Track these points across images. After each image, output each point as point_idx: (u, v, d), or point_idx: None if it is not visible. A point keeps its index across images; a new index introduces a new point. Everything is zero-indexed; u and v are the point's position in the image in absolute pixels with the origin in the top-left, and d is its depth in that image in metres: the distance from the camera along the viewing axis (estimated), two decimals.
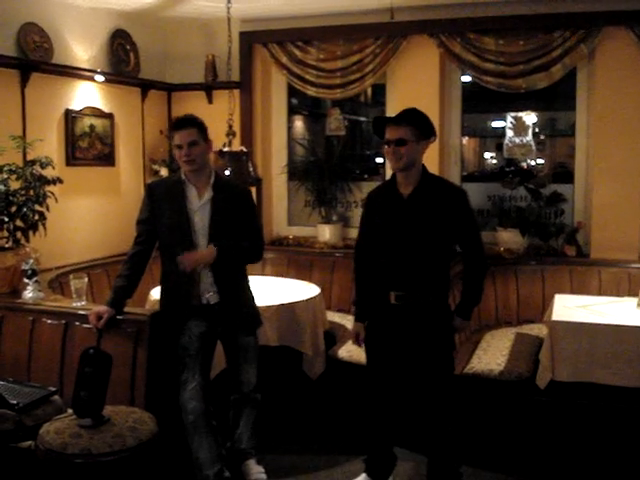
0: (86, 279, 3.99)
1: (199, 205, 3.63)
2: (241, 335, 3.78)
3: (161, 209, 3.65)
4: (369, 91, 6.74)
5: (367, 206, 3.75)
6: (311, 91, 6.05)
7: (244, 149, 5.57)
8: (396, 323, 3.53)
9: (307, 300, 4.67)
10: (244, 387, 3.85)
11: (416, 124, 3.44)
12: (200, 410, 3.57)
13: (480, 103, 6.23)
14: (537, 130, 5.99)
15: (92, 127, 5.43)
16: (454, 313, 3.61)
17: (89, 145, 5.42)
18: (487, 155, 7.00)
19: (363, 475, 3.84)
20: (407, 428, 4.03)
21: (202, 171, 3.64)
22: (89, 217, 5.50)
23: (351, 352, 4.53)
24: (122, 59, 5.77)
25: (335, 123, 6.38)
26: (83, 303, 3.88)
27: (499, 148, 6.31)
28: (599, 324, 4.03)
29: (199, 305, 3.64)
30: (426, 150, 3.52)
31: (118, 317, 3.55)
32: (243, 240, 3.71)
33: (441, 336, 3.54)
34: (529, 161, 6.20)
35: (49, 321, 3.78)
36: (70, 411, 3.17)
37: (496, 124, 6.62)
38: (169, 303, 3.72)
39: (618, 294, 4.86)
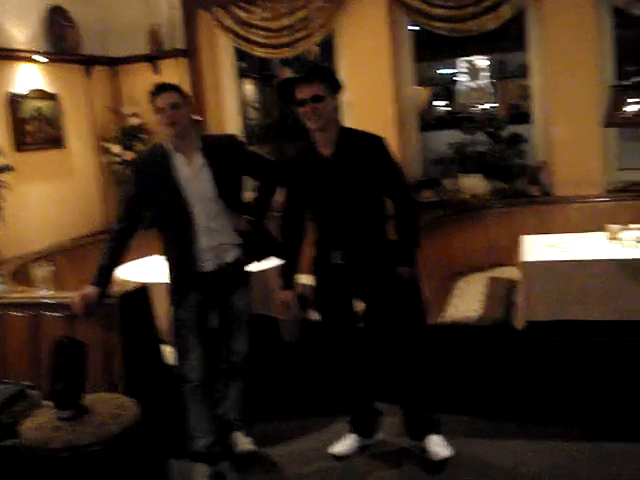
0: (51, 267, 3.88)
1: (192, 174, 3.55)
2: (234, 301, 3.74)
3: (149, 183, 3.57)
4: (317, 48, 6.63)
5: (290, 172, 3.66)
6: (259, 52, 5.93)
7: (198, 118, 5.48)
8: (343, 282, 3.52)
9: (278, 266, 4.60)
10: (235, 356, 3.83)
11: (327, 79, 3.40)
12: (200, 380, 3.62)
13: (429, 50, 6.17)
14: (488, 73, 5.96)
15: (38, 110, 5.26)
16: (397, 263, 3.55)
17: (37, 129, 5.25)
18: (437, 102, 6.97)
19: (351, 435, 3.86)
20: (386, 382, 4.03)
21: (186, 136, 3.57)
22: (45, 202, 5.35)
23: None
24: (61, 37, 5.57)
25: None
26: (50, 292, 3.78)
27: (449, 95, 6.29)
28: (570, 261, 4.07)
29: (194, 273, 3.59)
30: (337, 104, 3.47)
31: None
32: (259, 177, 3.82)
33: (392, 289, 3.53)
34: (481, 105, 6.17)
35: (17, 313, 3.68)
36: (48, 404, 3.09)
37: (443, 71, 6.59)
38: (173, 273, 3.67)
39: (586, 230, 4.86)
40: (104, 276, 3.54)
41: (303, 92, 3.35)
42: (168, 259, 3.68)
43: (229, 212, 3.63)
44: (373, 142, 3.50)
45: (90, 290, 3.45)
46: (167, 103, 3.48)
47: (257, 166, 3.84)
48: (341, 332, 3.68)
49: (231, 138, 3.93)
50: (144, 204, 3.62)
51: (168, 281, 3.70)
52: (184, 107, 3.55)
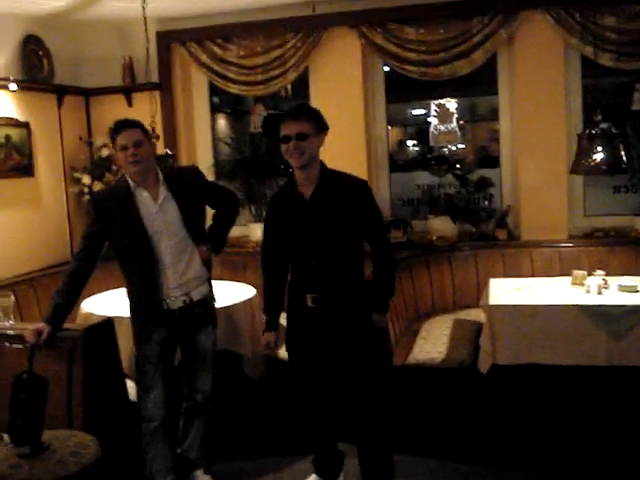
0: (12, 297, 3.82)
1: (157, 207, 3.53)
2: (201, 339, 3.71)
3: (111, 220, 3.53)
4: (290, 86, 6.67)
5: (270, 211, 3.68)
6: (233, 89, 5.95)
7: (169, 152, 5.48)
8: (315, 326, 3.48)
9: (244, 302, 4.60)
10: (199, 395, 3.79)
11: (313, 117, 3.39)
12: (162, 418, 3.57)
13: (401, 92, 6.23)
14: (457, 116, 6.03)
15: (7, 137, 5.21)
16: (370, 309, 3.54)
17: (6, 156, 5.19)
18: (409, 143, 7.02)
19: (313, 476, 3.82)
20: (347, 422, 4.00)
21: (149, 172, 3.55)
22: (10, 231, 5.26)
23: None
24: (35, 65, 5.56)
25: (259, 120, 6.25)
26: (11, 322, 3.71)
27: (422, 136, 6.34)
28: (535, 305, 4.12)
29: (160, 310, 3.55)
30: (321, 145, 3.44)
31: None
32: (218, 206, 3.86)
33: (364, 334, 3.50)
34: (451, 147, 6.24)
35: None
36: (6, 438, 3.02)
37: (416, 112, 6.65)
38: (137, 310, 3.62)
39: (551, 274, 4.94)
40: (58, 315, 3.46)
41: (288, 128, 3.33)
42: (131, 295, 3.64)
43: (195, 243, 3.62)
44: (356, 186, 3.47)
45: (42, 327, 3.37)
46: (131, 141, 3.45)
47: (217, 196, 3.88)
48: (309, 374, 3.62)
49: (192, 169, 3.92)
50: (104, 241, 3.57)
51: (130, 317, 3.66)
52: (147, 143, 3.54)
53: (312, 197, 3.41)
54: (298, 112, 3.38)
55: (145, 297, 3.56)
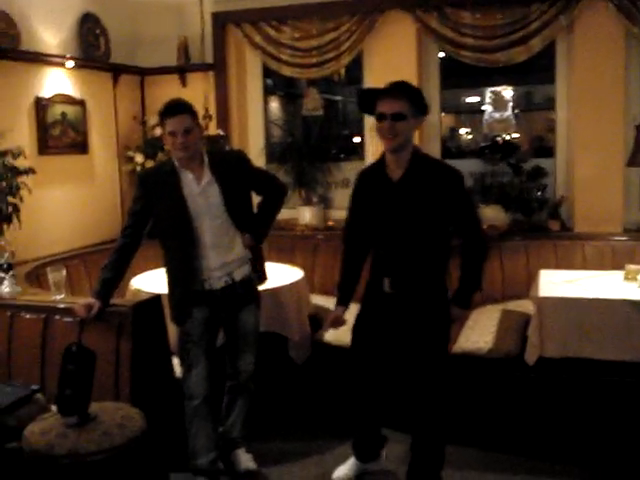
0: (64, 271, 3.87)
1: (199, 190, 3.54)
2: (243, 318, 3.72)
3: (156, 199, 3.56)
4: (343, 69, 6.64)
5: (356, 189, 3.55)
6: (287, 71, 5.95)
7: (221, 132, 5.50)
8: (390, 312, 3.39)
9: (291, 284, 4.60)
10: (241, 375, 3.81)
11: (413, 98, 3.21)
12: (204, 395, 3.60)
13: (455, 78, 6.16)
14: (513, 104, 5.95)
15: (64, 115, 5.29)
16: (451, 301, 3.44)
17: (61, 133, 5.27)
18: (463, 130, 6.96)
19: (352, 459, 3.81)
20: (395, 409, 3.99)
21: (195, 156, 3.55)
22: (64, 207, 5.37)
23: (337, 335, 4.48)
24: (92, 44, 5.62)
25: (312, 103, 6.28)
26: (62, 296, 3.77)
27: (475, 124, 6.28)
28: (586, 299, 4.03)
29: (202, 291, 3.58)
30: (417, 129, 3.30)
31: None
32: (263, 192, 3.85)
33: (437, 327, 3.40)
34: (505, 135, 6.15)
35: (28, 316, 3.68)
36: (54, 409, 3.08)
37: (471, 99, 6.58)
38: (175, 290, 3.66)
39: (603, 267, 4.83)
40: (106, 290, 3.52)
41: (385, 106, 3.17)
42: (171, 275, 3.67)
43: (237, 228, 3.63)
44: (448, 174, 3.31)
45: (92, 302, 3.44)
46: (180, 128, 3.44)
47: (261, 182, 3.85)
48: (370, 359, 3.54)
49: (237, 153, 3.93)
50: (149, 218, 3.61)
51: (168, 296, 3.69)
52: (196, 129, 3.53)
53: (400, 181, 3.29)
54: (398, 90, 3.20)
55: (181, 277, 3.58)
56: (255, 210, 3.85)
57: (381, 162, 3.39)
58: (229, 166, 3.65)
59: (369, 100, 3.27)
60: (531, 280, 4.83)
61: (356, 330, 3.60)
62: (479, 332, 4.51)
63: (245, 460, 3.86)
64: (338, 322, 3.64)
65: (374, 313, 3.48)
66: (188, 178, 3.55)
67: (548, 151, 5.79)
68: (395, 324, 3.40)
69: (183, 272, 3.57)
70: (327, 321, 3.71)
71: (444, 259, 3.43)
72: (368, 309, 3.53)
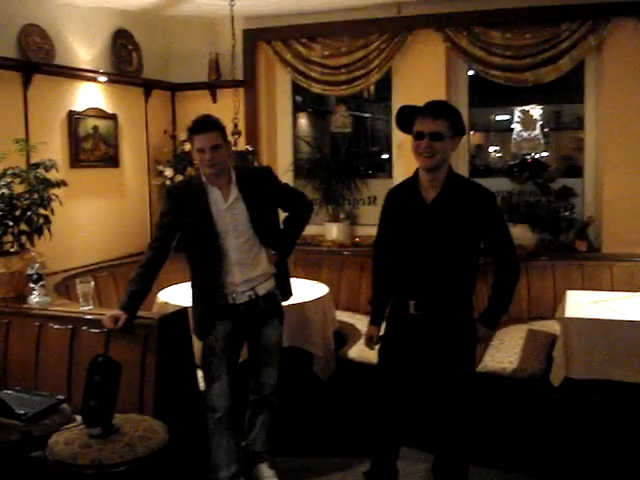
0: (93, 283, 3.92)
1: (226, 206, 3.57)
2: (266, 332, 3.73)
3: (183, 213, 3.60)
4: (372, 87, 6.67)
5: (386, 207, 3.48)
6: (316, 88, 6.00)
7: (250, 148, 5.54)
8: (415, 334, 3.33)
9: (316, 300, 4.62)
10: (264, 389, 3.82)
11: (452, 118, 3.17)
12: (225, 408, 3.60)
13: (485, 97, 6.16)
14: (542, 123, 5.92)
15: (95, 128, 5.38)
16: (478, 321, 3.38)
17: (93, 146, 5.36)
18: (491, 149, 6.93)
19: None
20: (419, 428, 3.96)
21: (223, 172, 3.58)
22: (94, 219, 5.45)
23: (361, 352, 4.47)
24: (124, 59, 5.72)
25: (341, 120, 6.31)
26: (90, 307, 3.82)
27: (504, 142, 6.26)
28: (613, 320, 3.99)
29: (225, 305, 3.61)
30: (454, 149, 3.24)
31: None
32: (290, 209, 3.87)
33: (464, 347, 3.34)
34: (533, 154, 6.12)
35: (56, 326, 3.74)
36: (79, 419, 3.12)
37: (500, 117, 6.56)
38: (198, 304, 3.68)
39: (630, 289, 4.79)
40: (133, 302, 3.55)
41: (424, 125, 3.12)
42: (195, 289, 3.69)
43: (262, 244, 3.65)
44: (484, 197, 3.26)
45: (119, 314, 3.47)
46: (209, 145, 3.46)
47: (288, 198, 3.87)
48: (397, 380, 3.45)
49: (265, 170, 3.92)
50: (177, 232, 3.65)
51: (191, 309, 3.72)
52: (224, 145, 3.54)
53: (434, 202, 3.23)
54: (437, 109, 3.18)
55: (206, 291, 3.61)
56: (281, 226, 3.87)
57: (414, 181, 3.34)
58: (256, 183, 3.67)
59: (407, 118, 3.24)
60: (557, 300, 4.81)
61: (382, 352, 3.54)
62: (504, 352, 4.48)
63: (268, 475, 3.85)
64: (373, 341, 3.60)
65: (399, 335, 3.43)
66: (215, 194, 3.58)
67: (577, 171, 5.76)
68: (421, 345, 3.35)
69: (207, 287, 3.60)
70: (366, 341, 3.64)
71: (472, 280, 3.38)
72: (393, 331, 3.48)
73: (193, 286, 3.70)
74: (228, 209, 3.57)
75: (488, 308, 3.41)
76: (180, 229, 3.64)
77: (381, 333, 3.58)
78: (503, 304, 3.42)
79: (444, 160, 3.19)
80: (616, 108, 5.23)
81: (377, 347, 3.59)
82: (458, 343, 3.32)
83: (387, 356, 3.51)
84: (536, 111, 5.88)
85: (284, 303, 3.90)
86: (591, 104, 5.51)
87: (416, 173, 3.33)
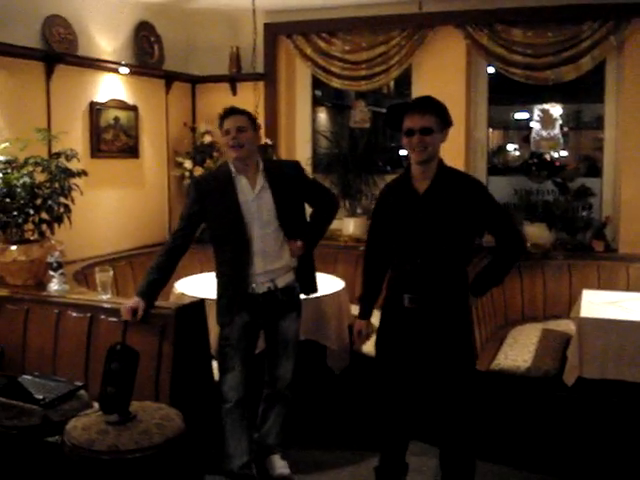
0: (111, 272, 3.96)
1: (253, 195, 3.61)
2: (283, 325, 3.76)
3: (210, 203, 3.63)
4: (392, 83, 6.68)
5: (379, 202, 3.55)
6: (336, 83, 6.01)
7: (269, 142, 5.57)
8: (410, 328, 3.37)
9: (332, 294, 4.63)
10: (279, 383, 3.84)
11: (439, 112, 3.27)
12: (236, 400, 3.64)
13: (504, 94, 6.15)
14: (561, 122, 5.91)
15: (116, 119, 5.42)
16: (470, 291, 3.42)
17: (113, 137, 5.41)
18: (510, 147, 6.91)
19: None
20: (424, 422, 3.97)
21: (250, 159, 3.62)
22: (113, 209, 5.50)
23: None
24: (146, 51, 5.76)
25: (360, 115, 6.33)
26: (108, 296, 3.86)
27: (525, 140, 6.23)
28: (628, 321, 3.98)
29: (244, 294, 3.63)
30: (444, 141, 3.33)
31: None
32: (316, 204, 3.89)
33: (460, 343, 3.38)
34: (552, 153, 6.11)
35: (74, 314, 3.77)
36: (96, 406, 3.16)
37: (519, 116, 6.55)
38: (224, 293, 3.71)
39: None
40: (152, 290, 3.57)
41: (413, 121, 3.23)
42: (221, 278, 3.72)
43: (287, 236, 3.68)
44: (472, 185, 3.36)
45: (137, 304, 3.49)
46: (234, 126, 3.55)
47: (315, 194, 3.89)
48: (395, 374, 3.50)
49: (293, 164, 3.95)
50: (202, 222, 3.69)
51: (216, 298, 3.75)
52: (250, 131, 3.60)
53: (426, 193, 3.31)
54: (424, 105, 3.28)
55: (233, 280, 3.64)
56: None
57: (406, 175, 3.41)
58: (284, 175, 3.71)
59: (396, 116, 3.33)
60: (573, 300, 4.81)
61: (379, 345, 3.58)
62: (518, 350, 4.49)
63: (280, 466, 3.88)
64: (362, 335, 3.67)
65: (395, 328, 3.46)
66: (242, 183, 3.62)
67: (595, 170, 5.74)
68: (417, 338, 3.39)
69: (234, 276, 3.63)
70: (355, 336, 3.72)
71: (464, 273, 3.42)
72: (388, 324, 3.51)
73: (219, 276, 3.73)
74: (255, 199, 3.61)
75: (481, 277, 3.48)
76: (205, 220, 3.67)
77: (376, 327, 3.62)
78: (498, 277, 3.50)
79: (435, 152, 3.30)
80: (636, 108, 5.22)
81: (369, 341, 3.64)
82: (454, 335, 3.37)
83: (384, 350, 3.55)
84: (556, 110, 5.87)
85: (302, 296, 3.92)
86: (611, 104, 5.49)
87: (408, 167, 3.42)
